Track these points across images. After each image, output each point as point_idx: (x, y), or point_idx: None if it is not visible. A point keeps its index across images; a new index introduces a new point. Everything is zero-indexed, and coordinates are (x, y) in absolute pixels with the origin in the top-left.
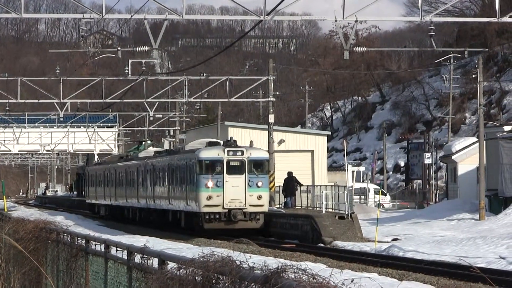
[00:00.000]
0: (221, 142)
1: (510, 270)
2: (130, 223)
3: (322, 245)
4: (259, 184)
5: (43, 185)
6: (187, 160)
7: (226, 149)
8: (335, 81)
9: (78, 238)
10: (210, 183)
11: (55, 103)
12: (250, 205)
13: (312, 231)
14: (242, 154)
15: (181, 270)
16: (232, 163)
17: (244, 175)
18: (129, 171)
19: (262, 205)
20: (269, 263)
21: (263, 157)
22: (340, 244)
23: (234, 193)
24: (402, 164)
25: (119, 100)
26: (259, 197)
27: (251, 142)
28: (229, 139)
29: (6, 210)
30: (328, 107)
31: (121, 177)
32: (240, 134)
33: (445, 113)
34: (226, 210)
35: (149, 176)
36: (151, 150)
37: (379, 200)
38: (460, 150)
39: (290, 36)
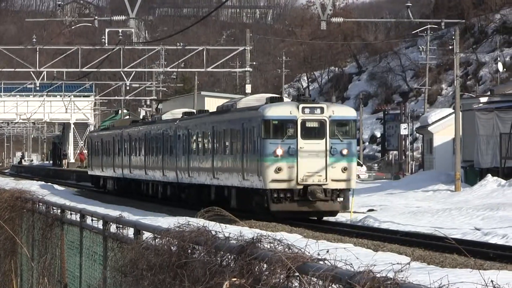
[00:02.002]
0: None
1: (485, 241)
2: (149, 200)
3: None
4: (344, 152)
5: (19, 154)
6: (244, 121)
7: (300, 106)
8: (312, 51)
9: (54, 208)
10: (279, 151)
11: (31, 72)
12: (332, 180)
13: None
14: (322, 112)
15: (156, 240)
16: (308, 124)
17: (324, 139)
18: (150, 137)
19: (348, 180)
20: (244, 233)
21: (350, 117)
22: None
23: (312, 164)
24: (379, 135)
25: (95, 70)
26: (344, 169)
27: None
28: (300, 92)
29: None
30: (305, 78)
31: (138, 144)
32: (216, 104)
33: (421, 84)
34: (301, 187)
35: (180, 142)
36: (178, 111)
37: None
38: (436, 121)
39: (267, 6)
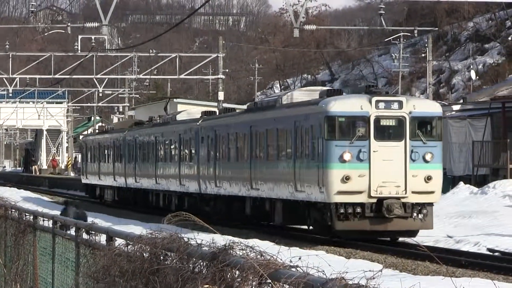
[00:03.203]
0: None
1: (457, 249)
2: (158, 213)
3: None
4: (428, 157)
5: None
6: (298, 119)
7: (373, 99)
8: (284, 59)
9: (26, 214)
10: (347, 155)
11: (4, 79)
12: (413, 192)
13: None
14: (401, 106)
15: (129, 247)
16: (383, 122)
17: (403, 141)
18: (163, 141)
19: (432, 192)
20: (216, 240)
21: (435, 113)
22: None
23: (388, 171)
24: None
25: (68, 76)
26: (428, 179)
27: None
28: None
29: None
30: (278, 85)
31: (146, 149)
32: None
33: (394, 91)
34: (374, 200)
35: (204, 146)
36: (194, 111)
37: None
38: None
39: (240, 13)
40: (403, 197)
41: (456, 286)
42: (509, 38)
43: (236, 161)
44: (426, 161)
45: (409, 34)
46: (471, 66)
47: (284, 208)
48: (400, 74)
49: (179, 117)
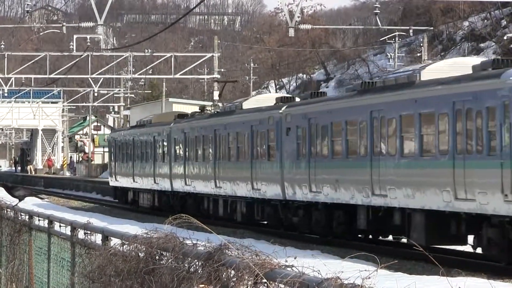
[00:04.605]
0: None
1: (453, 249)
2: (222, 224)
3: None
4: None
5: None
6: (467, 99)
7: None
8: (280, 58)
9: (22, 214)
10: None
11: None
12: None
13: None
14: None
15: (124, 246)
16: None
17: None
18: (224, 134)
19: None
20: (212, 239)
21: None
22: None
23: None
24: None
25: (63, 76)
26: None
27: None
28: None
29: None
30: (273, 85)
31: (201, 145)
32: (184, 110)
33: None
34: None
35: (291, 141)
36: (263, 97)
37: None
38: None
39: (235, 13)
40: None
41: (452, 286)
42: (505, 38)
43: (355, 160)
44: None
45: (404, 33)
46: None
47: (429, 222)
48: None
49: (247, 105)
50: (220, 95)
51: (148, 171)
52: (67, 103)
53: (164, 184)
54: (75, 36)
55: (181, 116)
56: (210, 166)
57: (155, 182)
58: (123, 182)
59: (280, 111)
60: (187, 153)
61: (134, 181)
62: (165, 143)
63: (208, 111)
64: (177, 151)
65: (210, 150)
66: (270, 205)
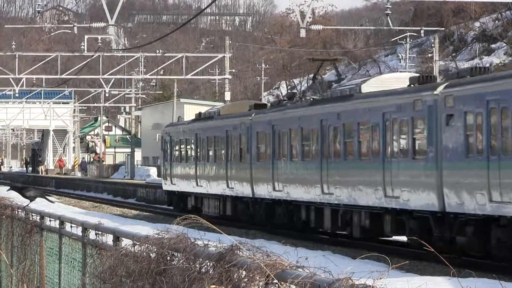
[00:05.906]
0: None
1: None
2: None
3: None
4: None
5: None
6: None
7: None
8: (291, 59)
9: (33, 214)
10: None
11: (10, 79)
12: None
13: None
14: None
15: (135, 247)
16: None
17: None
18: (335, 127)
19: None
20: (223, 240)
21: None
22: None
23: None
24: None
25: (74, 76)
26: None
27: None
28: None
29: None
30: (284, 85)
31: (299, 140)
32: (195, 111)
33: None
34: None
35: (455, 128)
36: (385, 77)
37: None
38: None
39: (246, 13)
40: None
41: (463, 286)
42: None
43: None
44: None
45: (415, 34)
46: None
47: None
48: None
49: (366, 88)
50: (314, 77)
51: (219, 173)
52: (78, 103)
53: (241, 189)
54: (86, 37)
55: (259, 106)
56: (314, 166)
57: (228, 186)
58: (182, 186)
59: (435, 93)
60: (276, 151)
61: (197, 184)
62: (243, 139)
63: (306, 98)
64: (261, 149)
65: (316, 147)
66: (416, 218)
